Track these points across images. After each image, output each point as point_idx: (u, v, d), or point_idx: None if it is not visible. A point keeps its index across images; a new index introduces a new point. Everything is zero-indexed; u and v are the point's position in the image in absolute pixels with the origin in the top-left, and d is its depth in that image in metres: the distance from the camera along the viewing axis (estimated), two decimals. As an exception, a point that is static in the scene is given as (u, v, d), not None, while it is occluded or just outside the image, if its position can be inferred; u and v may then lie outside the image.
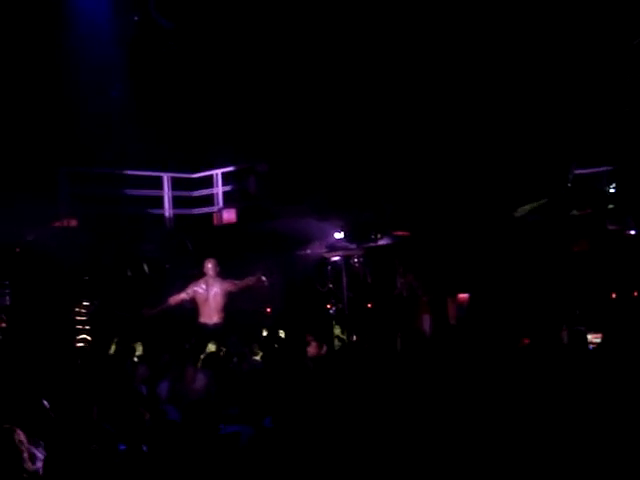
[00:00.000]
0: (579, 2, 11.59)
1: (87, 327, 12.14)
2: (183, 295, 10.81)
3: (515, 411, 6.18)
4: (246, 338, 10.95)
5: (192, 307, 11.31)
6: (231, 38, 13.49)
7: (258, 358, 9.70)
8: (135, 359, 10.03)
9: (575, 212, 10.89)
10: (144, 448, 5.16)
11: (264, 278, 10.80)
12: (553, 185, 11.21)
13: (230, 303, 10.93)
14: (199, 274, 11.53)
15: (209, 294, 10.64)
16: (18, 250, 11.79)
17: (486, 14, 12.04)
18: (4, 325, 11.80)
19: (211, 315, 10.61)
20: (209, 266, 10.68)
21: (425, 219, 11.56)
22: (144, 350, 10.66)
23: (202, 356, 9.54)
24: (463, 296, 11.34)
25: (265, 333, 11.45)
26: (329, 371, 8.25)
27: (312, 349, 9.53)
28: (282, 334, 11.22)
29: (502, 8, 11.92)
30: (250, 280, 10.95)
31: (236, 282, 10.88)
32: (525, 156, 11.42)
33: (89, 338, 12.02)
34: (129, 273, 12.54)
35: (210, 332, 10.60)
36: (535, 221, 10.85)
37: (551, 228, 10.84)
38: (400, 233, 11.86)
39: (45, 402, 5.69)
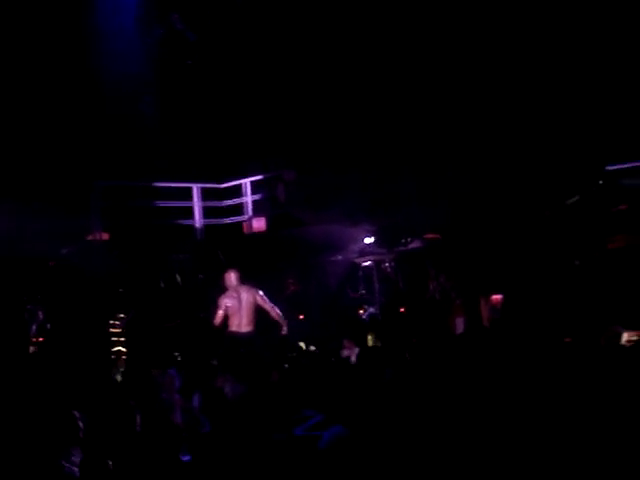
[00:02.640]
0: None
1: (122, 339, 12.20)
2: (220, 312, 10.68)
3: (555, 412, 6.06)
4: (277, 346, 10.93)
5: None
6: (257, 48, 13.52)
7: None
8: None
9: (613, 209, 10.67)
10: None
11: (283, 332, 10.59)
12: (586, 182, 11.02)
13: (261, 311, 10.85)
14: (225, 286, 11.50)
15: (241, 303, 10.53)
16: (52, 264, 11.92)
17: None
18: (41, 339, 11.92)
19: (242, 324, 10.48)
20: (231, 276, 10.56)
21: (456, 221, 11.42)
22: (178, 360, 10.71)
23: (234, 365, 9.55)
24: (496, 297, 11.16)
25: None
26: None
27: (350, 353, 9.52)
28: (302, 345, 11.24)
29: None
30: (275, 313, 10.73)
31: (265, 299, 10.68)
32: (556, 155, 11.24)
33: (124, 350, 12.08)
34: (162, 284, 12.59)
35: (243, 341, 10.53)
36: (569, 218, 10.67)
37: (585, 225, 10.64)
38: (431, 236, 11.74)
39: (76, 413, 5.66)
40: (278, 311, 10.54)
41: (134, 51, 13.07)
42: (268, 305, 10.50)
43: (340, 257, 12.27)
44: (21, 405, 7.22)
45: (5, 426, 5.46)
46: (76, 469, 4.80)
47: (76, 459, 4.75)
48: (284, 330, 10.28)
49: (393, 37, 12.70)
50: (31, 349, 11.46)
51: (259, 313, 10.50)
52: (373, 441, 5.30)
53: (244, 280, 10.51)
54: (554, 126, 11.28)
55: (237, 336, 10.29)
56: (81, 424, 4.96)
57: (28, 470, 4.56)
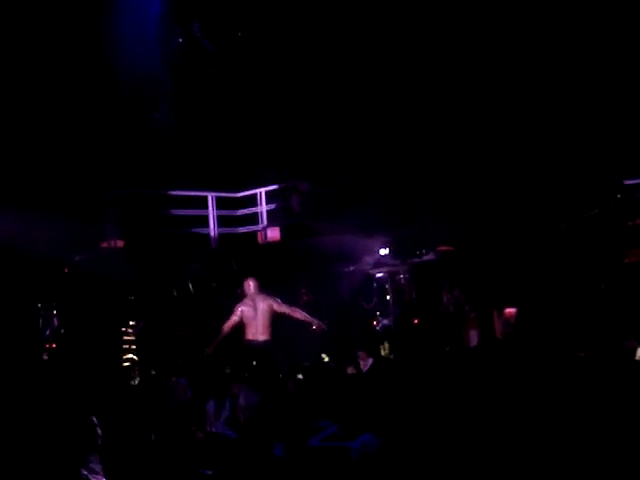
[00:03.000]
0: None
1: (134, 347, 12.21)
2: (234, 318, 10.69)
3: (567, 426, 6.02)
4: (293, 355, 10.93)
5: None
6: (276, 59, 13.56)
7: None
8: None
9: (632, 222, 10.62)
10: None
11: (316, 326, 10.57)
12: (603, 196, 10.97)
13: (276, 320, 10.84)
14: (244, 293, 11.52)
15: (257, 311, 10.53)
16: (66, 271, 11.95)
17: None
18: (54, 346, 11.93)
19: (258, 333, 10.48)
20: (250, 284, 10.60)
21: (470, 233, 11.39)
22: (188, 369, 10.69)
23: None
24: (510, 311, 11.11)
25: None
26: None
27: (364, 364, 9.50)
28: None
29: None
30: (298, 314, 10.72)
31: (283, 304, 10.69)
32: (573, 168, 11.20)
33: (136, 358, 12.09)
34: (175, 293, 12.60)
35: (258, 350, 10.52)
36: (585, 232, 10.62)
37: (601, 239, 10.58)
38: (444, 248, 11.70)
39: (94, 419, 5.62)
40: (301, 312, 10.57)
41: (153, 59, 13.13)
42: (288, 309, 10.53)
43: (354, 268, 12.24)
44: (35, 410, 7.23)
45: (21, 431, 5.45)
46: (93, 477, 4.77)
47: (94, 466, 4.74)
48: (316, 325, 10.28)
49: (411, 53, 12.72)
50: (45, 355, 11.48)
51: (277, 322, 10.51)
52: (406, 448, 5.32)
53: (261, 289, 10.54)
54: (572, 139, 11.25)
55: (253, 345, 10.29)
56: (99, 431, 4.94)
57: (47, 477, 4.55)
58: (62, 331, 11.68)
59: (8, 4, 11.84)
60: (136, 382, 10.82)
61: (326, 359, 11.49)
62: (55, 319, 11.82)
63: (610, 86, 11.33)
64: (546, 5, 11.86)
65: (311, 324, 10.39)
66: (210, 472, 5.08)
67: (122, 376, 11.27)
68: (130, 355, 12.20)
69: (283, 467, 5.34)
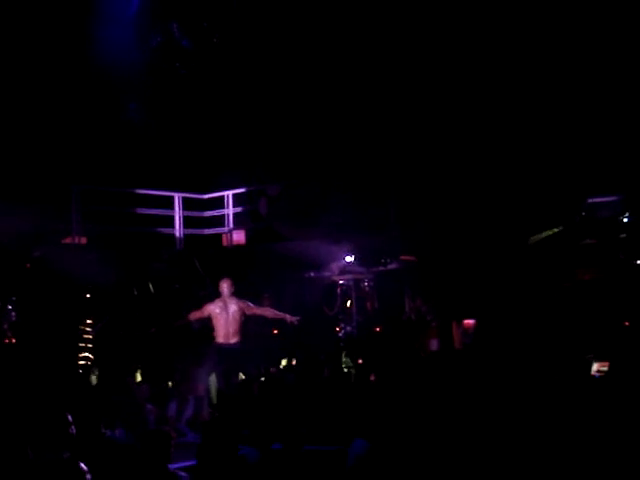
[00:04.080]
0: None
1: (90, 345, 12.07)
2: (199, 314, 10.72)
3: (516, 437, 6.13)
4: (259, 360, 10.94)
5: (200, 327, 11.26)
6: (246, 60, 13.59)
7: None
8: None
9: (587, 240, 10.80)
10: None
11: (289, 320, 10.62)
12: (567, 213, 11.13)
13: (245, 324, 10.85)
14: (207, 295, 11.47)
15: (228, 314, 10.53)
16: (28, 266, 11.79)
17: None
18: (14, 341, 11.76)
19: (229, 336, 10.49)
20: (224, 285, 10.57)
21: (433, 245, 11.50)
22: (147, 370, 10.62)
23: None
24: (468, 322, 11.26)
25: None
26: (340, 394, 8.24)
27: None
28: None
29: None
30: (269, 313, 10.80)
31: (253, 306, 10.73)
32: (538, 184, 11.36)
33: (91, 357, 11.95)
34: (135, 292, 12.49)
35: (228, 352, 10.51)
36: (544, 248, 10.78)
37: (560, 255, 10.75)
38: (406, 258, 11.80)
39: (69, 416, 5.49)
40: (271, 310, 10.63)
41: (127, 56, 13.07)
42: (258, 310, 10.59)
43: (318, 274, 12.27)
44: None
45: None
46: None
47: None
48: (288, 319, 10.34)
49: (382, 60, 12.84)
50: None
51: (245, 326, 10.53)
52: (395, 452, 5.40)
53: (234, 292, 10.55)
54: (538, 156, 11.42)
55: (223, 347, 10.29)
56: (74, 428, 4.86)
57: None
58: (21, 326, 11.51)
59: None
60: (97, 380, 10.70)
61: (284, 363, 11.50)
62: (13, 314, 11.65)
63: (577, 105, 11.54)
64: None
65: (284, 320, 10.46)
66: (185, 474, 5.04)
67: (78, 374, 11.14)
68: (86, 354, 12.05)
69: (255, 472, 5.34)
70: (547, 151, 11.40)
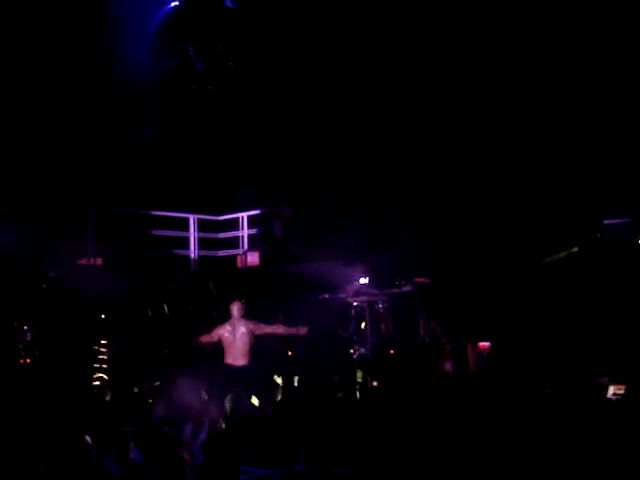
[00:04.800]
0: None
1: (104, 366, 12.08)
2: (208, 338, 10.75)
3: (531, 460, 6.07)
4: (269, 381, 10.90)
5: (214, 349, 11.26)
6: (262, 82, 13.67)
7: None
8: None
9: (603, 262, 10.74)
10: None
11: (301, 333, 10.64)
12: (582, 234, 11.09)
13: (256, 345, 10.86)
14: (221, 316, 11.49)
15: (236, 336, 10.56)
16: (44, 286, 11.85)
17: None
18: (29, 361, 11.79)
19: (237, 357, 10.51)
20: (235, 308, 10.62)
21: (447, 265, 11.47)
22: (160, 390, 10.62)
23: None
24: (484, 344, 11.19)
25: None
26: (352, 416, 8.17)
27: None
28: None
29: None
30: (280, 330, 10.82)
31: (262, 325, 10.74)
32: (554, 205, 11.33)
33: (106, 377, 11.95)
34: (150, 313, 12.52)
35: (237, 375, 10.52)
36: (560, 269, 10.72)
37: (578, 277, 10.68)
38: (421, 280, 11.77)
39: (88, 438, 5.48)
40: (282, 326, 10.68)
41: (142, 78, 13.17)
42: (269, 329, 10.64)
43: (333, 296, 12.25)
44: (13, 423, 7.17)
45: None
46: None
47: None
48: (301, 332, 10.35)
49: (397, 80, 12.88)
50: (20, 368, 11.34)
51: (257, 346, 10.54)
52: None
53: (245, 313, 10.57)
54: (553, 176, 11.40)
55: (232, 369, 10.30)
56: (94, 450, 4.85)
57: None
58: (36, 346, 11.54)
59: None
60: (112, 400, 10.71)
61: (279, 380, 11.45)
62: (29, 333, 11.69)
63: (592, 125, 11.52)
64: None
65: (296, 334, 10.48)
66: None
67: (93, 394, 11.15)
68: (101, 374, 12.05)
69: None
70: (562, 172, 11.37)
